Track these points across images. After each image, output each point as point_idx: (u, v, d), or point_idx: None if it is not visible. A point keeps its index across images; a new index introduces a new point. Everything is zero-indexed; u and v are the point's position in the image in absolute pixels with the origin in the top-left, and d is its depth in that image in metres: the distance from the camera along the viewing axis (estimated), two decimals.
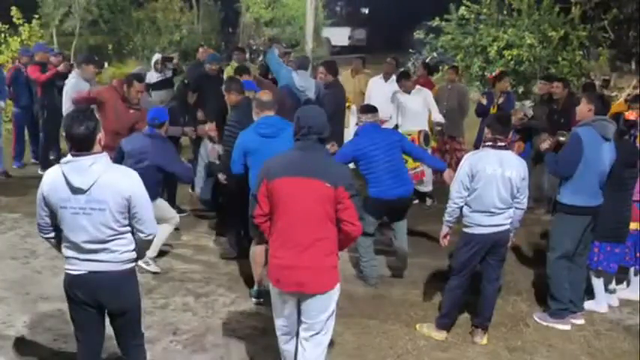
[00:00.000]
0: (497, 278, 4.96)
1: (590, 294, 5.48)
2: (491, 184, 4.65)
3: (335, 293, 3.79)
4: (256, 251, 5.43)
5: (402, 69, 10.35)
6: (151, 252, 5.95)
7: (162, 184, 6.19)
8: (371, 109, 5.96)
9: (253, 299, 5.51)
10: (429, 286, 5.82)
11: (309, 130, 3.71)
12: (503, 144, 4.73)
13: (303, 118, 3.76)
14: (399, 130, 7.23)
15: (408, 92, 8.19)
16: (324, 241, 3.69)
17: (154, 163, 5.76)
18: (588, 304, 5.41)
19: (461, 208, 4.78)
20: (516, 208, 4.78)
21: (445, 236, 4.99)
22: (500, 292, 5.24)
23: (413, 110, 8.09)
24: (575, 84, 11.69)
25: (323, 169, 3.68)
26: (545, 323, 5.22)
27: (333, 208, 3.66)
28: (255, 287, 5.51)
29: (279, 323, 3.98)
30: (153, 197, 5.78)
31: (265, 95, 5.46)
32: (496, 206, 4.68)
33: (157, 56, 9.91)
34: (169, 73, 9.28)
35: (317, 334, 3.82)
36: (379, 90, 9.03)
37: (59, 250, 3.64)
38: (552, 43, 12.17)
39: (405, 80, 8.27)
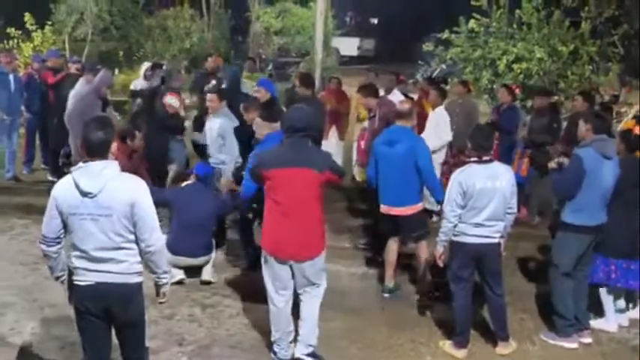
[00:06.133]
0: (501, 295, 4.97)
1: (599, 312, 5.45)
2: (483, 198, 4.72)
3: (322, 255, 4.53)
4: (390, 247, 5.83)
5: (412, 80, 10.25)
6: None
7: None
8: None
9: (385, 295, 5.89)
10: (434, 301, 5.79)
11: (295, 130, 4.41)
12: (488, 158, 4.81)
13: (291, 120, 4.50)
14: None
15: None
16: (311, 217, 4.42)
17: (208, 214, 6.02)
18: (598, 323, 5.37)
19: (455, 225, 4.82)
20: (508, 213, 4.85)
21: (440, 256, 5.01)
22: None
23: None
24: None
25: (309, 158, 4.39)
26: (552, 342, 5.18)
27: (319, 190, 4.42)
28: (392, 284, 5.90)
29: (275, 283, 4.52)
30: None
31: (404, 104, 5.79)
32: (486, 219, 4.75)
33: (146, 65, 9.87)
34: (156, 82, 8.92)
35: (312, 286, 4.52)
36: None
37: (54, 269, 3.72)
38: (562, 57, 12.16)
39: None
